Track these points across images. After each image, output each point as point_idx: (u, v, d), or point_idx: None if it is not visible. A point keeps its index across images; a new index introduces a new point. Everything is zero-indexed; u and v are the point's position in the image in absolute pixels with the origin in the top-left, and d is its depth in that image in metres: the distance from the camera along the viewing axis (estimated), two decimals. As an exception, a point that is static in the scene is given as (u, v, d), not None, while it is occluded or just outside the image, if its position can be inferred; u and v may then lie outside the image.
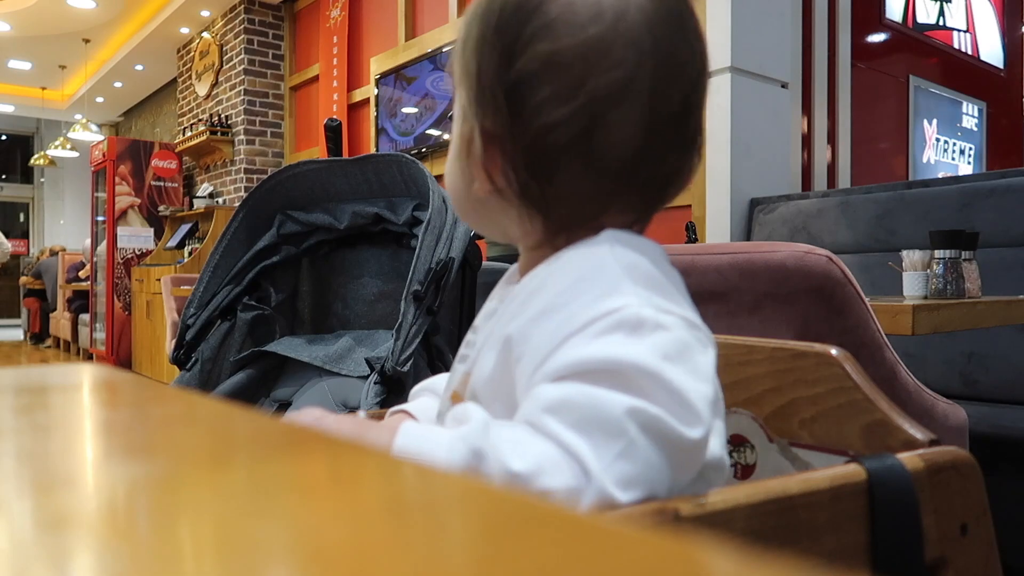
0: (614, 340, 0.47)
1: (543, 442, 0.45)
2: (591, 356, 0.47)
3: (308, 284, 1.59)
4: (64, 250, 9.33)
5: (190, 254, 6.02)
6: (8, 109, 10.68)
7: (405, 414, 0.74)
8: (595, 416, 0.45)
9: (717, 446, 0.53)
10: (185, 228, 6.61)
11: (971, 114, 4.77)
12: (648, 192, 0.58)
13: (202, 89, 6.67)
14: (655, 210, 0.60)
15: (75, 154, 10.02)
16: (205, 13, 6.39)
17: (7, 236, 9.90)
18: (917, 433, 0.59)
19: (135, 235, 6.84)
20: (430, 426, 0.55)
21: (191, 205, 6.68)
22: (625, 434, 0.44)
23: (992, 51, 5.00)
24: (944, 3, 4.54)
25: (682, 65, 0.56)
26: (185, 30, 6.84)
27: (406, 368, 1.21)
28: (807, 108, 3.20)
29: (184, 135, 6.70)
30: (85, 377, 0.53)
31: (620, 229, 0.57)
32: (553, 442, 0.45)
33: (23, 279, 10.10)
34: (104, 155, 6.86)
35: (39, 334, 9.52)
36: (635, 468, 0.44)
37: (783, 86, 2.94)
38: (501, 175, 0.57)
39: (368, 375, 1.30)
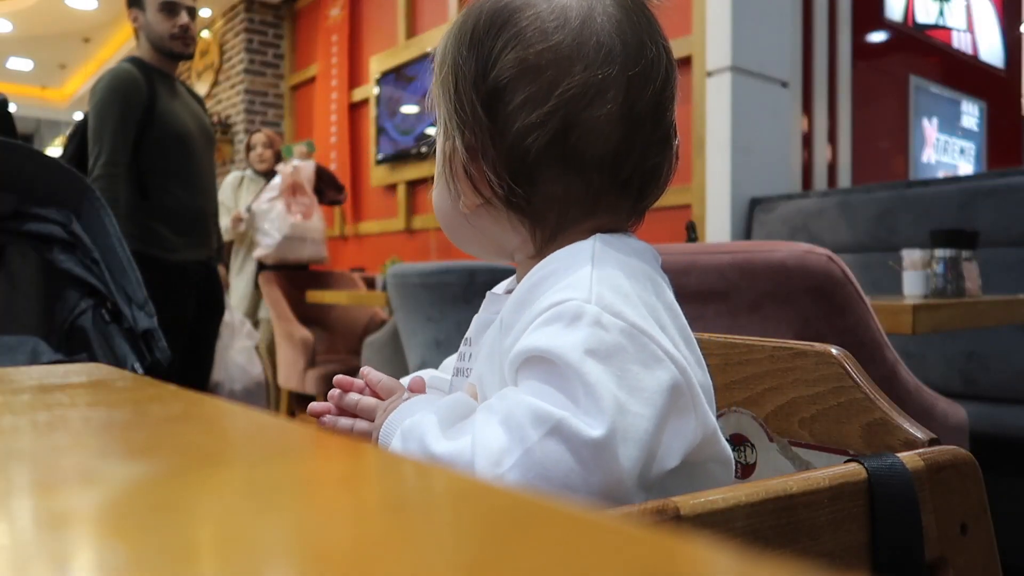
0: (550, 331, 0.50)
1: (466, 435, 0.50)
2: (528, 345, 0.50)
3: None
4: None
5: (190, 253, 6.02)
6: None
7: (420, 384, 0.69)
8: (510, 417, 0.48)
9: (720, 441, 0.55)
10: (185, 227, 6.60)
11: (971, 113, 4.77)
12: (629, 192, 0.59)
13: (202, 88, 6.67)
14: (640, 212, 0.62)
15: (75, 153, 10.01)
16: (205, 12, 6.38)
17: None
18: (917, 432, 0.59)
19: (135, 234, 6.83)
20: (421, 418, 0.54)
21: (191, 204, 6.67)
22: (524, 441, 0.47)
23: (992, 51, 5.00)
24: (944, 3, 4.54)
25: (650, 63, 0.58)
26: (185, 29, 6.83)
27: None
28: (807, 107, 3.19)
29: (184, 134, 6.69)
30: (85, 377, 0.53)
31: (611, 232, 0.59)
32: (470, 436, 0.49)
33: (23, 278, 10.10)
34: (104, 154, 6.85)
35: (39, 333, 9.52)
36: (525, 476, 0.47)
37: (783, 85, 2.94)
38: (486, 186, 0.58)
39: None
